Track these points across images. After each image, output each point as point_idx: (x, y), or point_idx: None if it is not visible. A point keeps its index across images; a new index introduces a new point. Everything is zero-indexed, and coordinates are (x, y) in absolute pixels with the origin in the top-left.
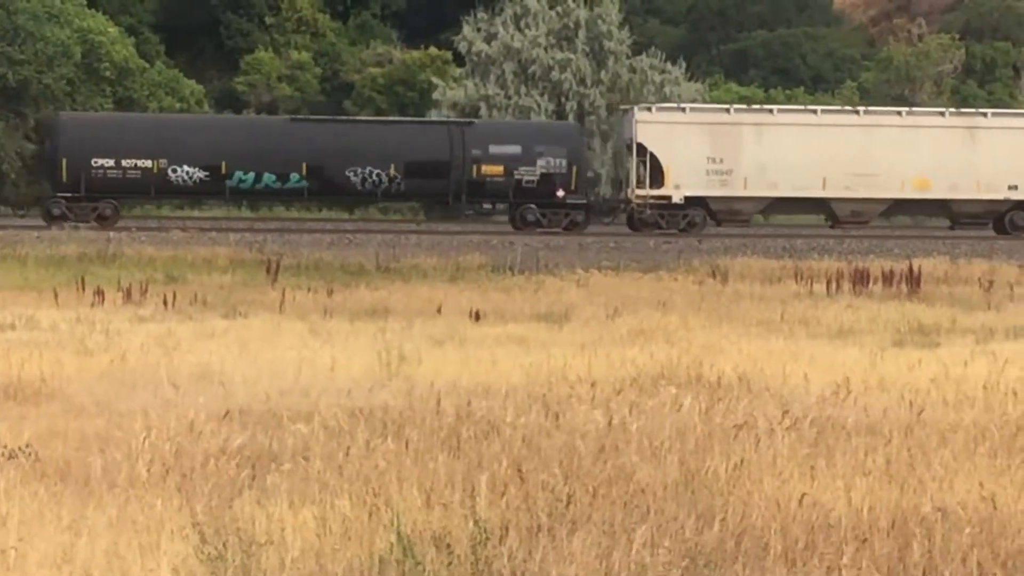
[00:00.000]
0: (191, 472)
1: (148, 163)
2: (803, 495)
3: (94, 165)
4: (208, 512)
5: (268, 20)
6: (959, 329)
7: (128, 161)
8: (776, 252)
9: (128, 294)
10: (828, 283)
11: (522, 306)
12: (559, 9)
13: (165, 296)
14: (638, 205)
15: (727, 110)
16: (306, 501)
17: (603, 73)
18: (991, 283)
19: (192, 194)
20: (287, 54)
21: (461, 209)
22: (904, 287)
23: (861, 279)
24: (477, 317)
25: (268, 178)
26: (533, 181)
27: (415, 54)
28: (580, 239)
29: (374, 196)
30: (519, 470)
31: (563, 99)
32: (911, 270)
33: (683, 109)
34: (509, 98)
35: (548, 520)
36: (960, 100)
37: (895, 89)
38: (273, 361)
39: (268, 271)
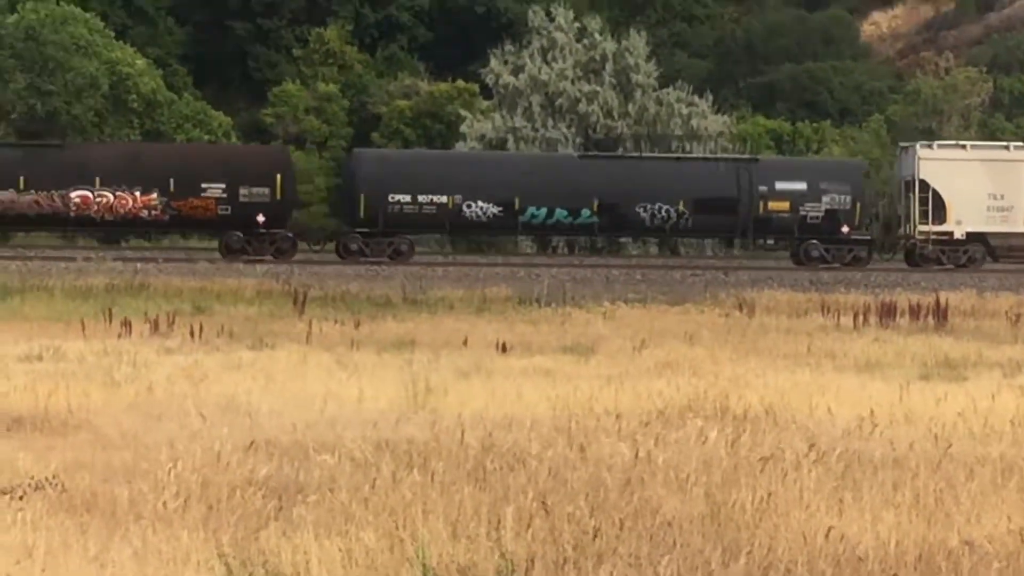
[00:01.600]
0: (217, 503)
1: (444, 199)
2: (830, 528)
3: (391, 201)
4: (234, 543)
5: (296, 52)
6: (986, 363)
7: (424, 197)
8: (803, 285)
9: (155, 325)
10: (855, 316)
11: (549, 338)
12: (586, 42)
13: (192, 327)
14: (920, 241)
15: (1007, 147)
16: (332, 533)
17: (630, 106)
18: (1018, 317)
19: (486, 229)
20: (315, 86)
21: (747, 244)
22: (931, 320)
23: (888, 312)
24: (504, 349)
25: (560, 213)
26: (818, 217)
27: (442, 86)
28: (607, 272)
29: (662, 231)
30: (545, 502)
31: (590, 131)
32: (938, 303)
33: (963, 146)
34: (536, 130)
35: (574, 553)
36: (988, 134)
37: (923, 122)
38: (300, 393)
39: (295, 303)
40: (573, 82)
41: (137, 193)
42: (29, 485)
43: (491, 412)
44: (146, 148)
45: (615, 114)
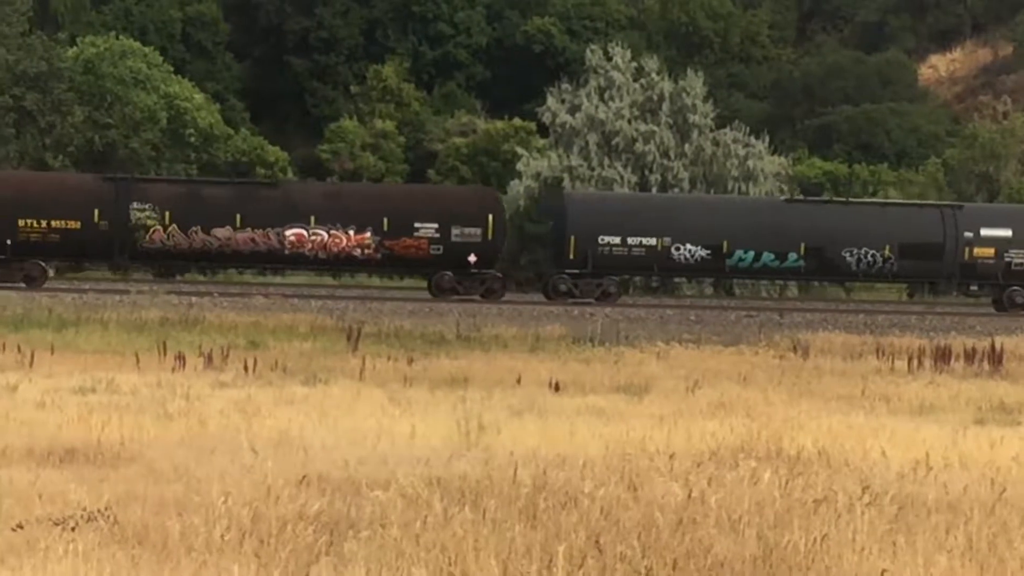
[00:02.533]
0: (268, 537)
1: (653, 241)
2: (883, 572)
3: (600, 243)
4: None
5: (353, 89)
6: None
7: (634, 239)
8: (857, 328)
9: (209, 359)
10: (909, 360)
11: (602, 377)
12: (643, 81)
13: (246, 362)
14: None
15: None
16: (383, 569)
17: (687, 146)
18: None
19: (693, 272)
20: (371, 123)
21: (950, 290)
22: (986, 365)
23: (943, 356)
24: (556, 388)
25: (767, 257)
26: (1023, 264)
27: (499, 124)
28: (661, 312)
29: (868, 276)
30: (597, 542)
31: (646, 171)
32: (993, 348)
33: None
34: (592, 169)
35: None
36: None
37: (980, 166)
38: (352, 428)
39: (349, 339)
40: (630, 121)
41: (351, 232)
42: (81, 517)
43: (544, 450)
44: (361, 188)
45: (671, 154)
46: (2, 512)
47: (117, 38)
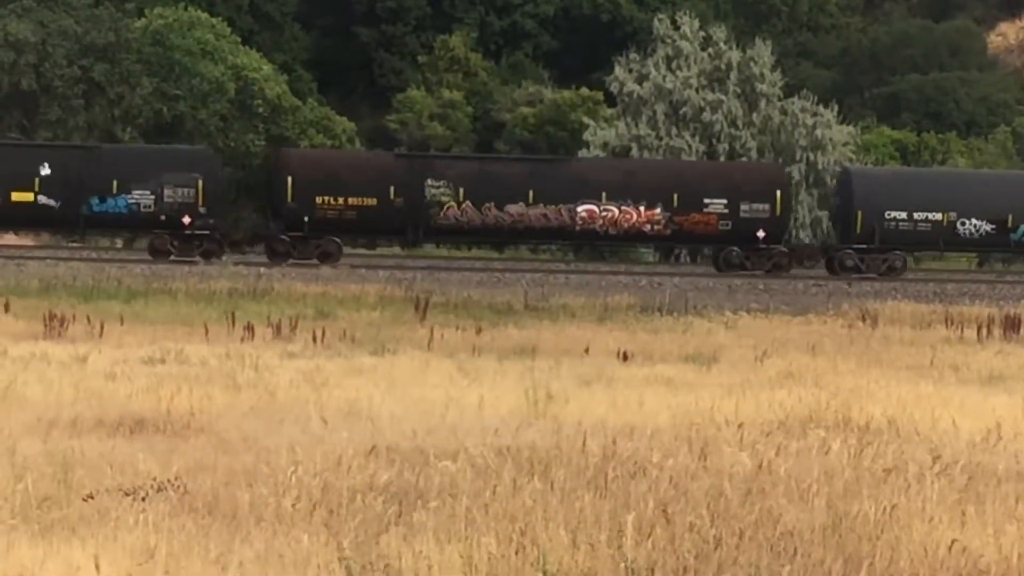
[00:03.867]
0: (338, 507)
1: (938, 216)
2: (953, 541)
3: (887, 218)
4: (355, 547)
5: (421, 59)
6: None
7: (920, 214)
8: (927, 297)
9: (278, 330)
10: (979, 329)
11: (670, 347)
12: (711, 51)
13: (314, 332)
14: None
15: None
16: (452, 538)
17: (754, 115)
18: None
19: (977, 247)
20: (439, 93)
21: None
22: None
23: (1012, 325)
24: (625, 357)
25: None
26: None
27: (566, 94)
28: (729, 281)
29: None
30: (666, 511)
31: (714, 141)
32: None
33: None
34: (660, 139)
35: (695, 562)
36: None
37: None
38: (421, 399)
39: (417, 309)
40: (697, 91)
41: (641, 208)
42: (151, 487)
43: (612, 420)
44: (652, 164)
45: (739, 123)
46: (73, 482)
47: (185, 9)
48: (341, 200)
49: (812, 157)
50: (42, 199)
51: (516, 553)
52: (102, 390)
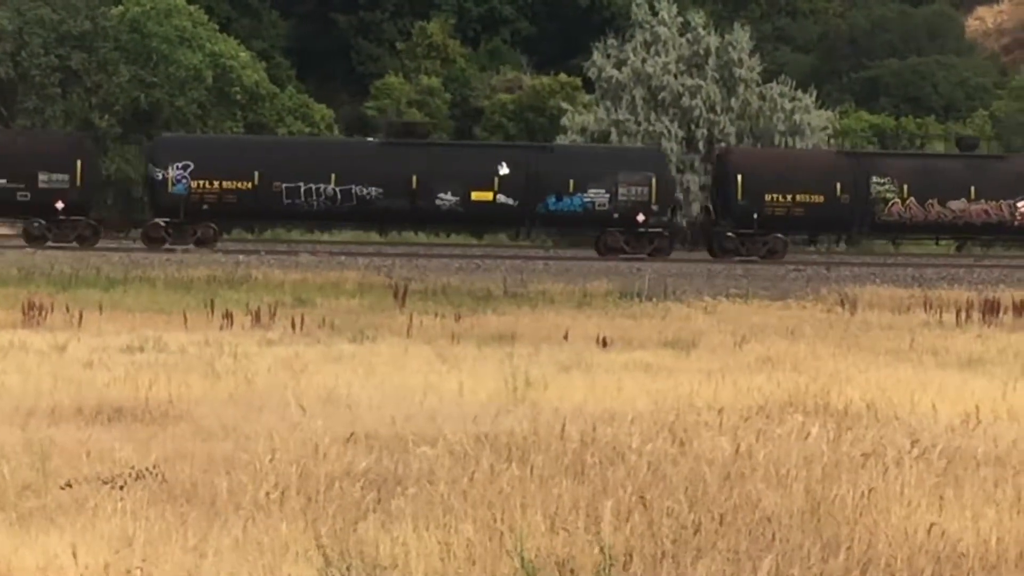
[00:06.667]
0: (316, 495)
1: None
2: (931, 525)
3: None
4: (332, 535)
5: (399, 45)
6: None
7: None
8: (905, 281)
9: (257, 317)
10: (958, 313)
11: (649, 333)
12: (689, 36)
13: (293, 319)
14: None
15: None
16: (430, 525)
17: (733, 100)
18: None
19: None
20: (417, 79)
21: None
22: None
23: (991, 309)
24: (604, 343)
25: None
26: None
27: (545, 80)
28: (708, 267)
29: None
30: (644, 497)
31: (693, 126)
32: None
33: None
34: (639, 124)
35: (673, 547)
36: None
37: None
38: (400, 385)
39: (396, 295)
40: (676, 76)
41: None
42: (130, 475)
43: (591, 406)
44: None
45: (718, 108)
46: (51, 471)
47: None
48: (789, 197)
49: (791, 142)
50: (501, 198)
51: (493, 539)
52: (81, 378)
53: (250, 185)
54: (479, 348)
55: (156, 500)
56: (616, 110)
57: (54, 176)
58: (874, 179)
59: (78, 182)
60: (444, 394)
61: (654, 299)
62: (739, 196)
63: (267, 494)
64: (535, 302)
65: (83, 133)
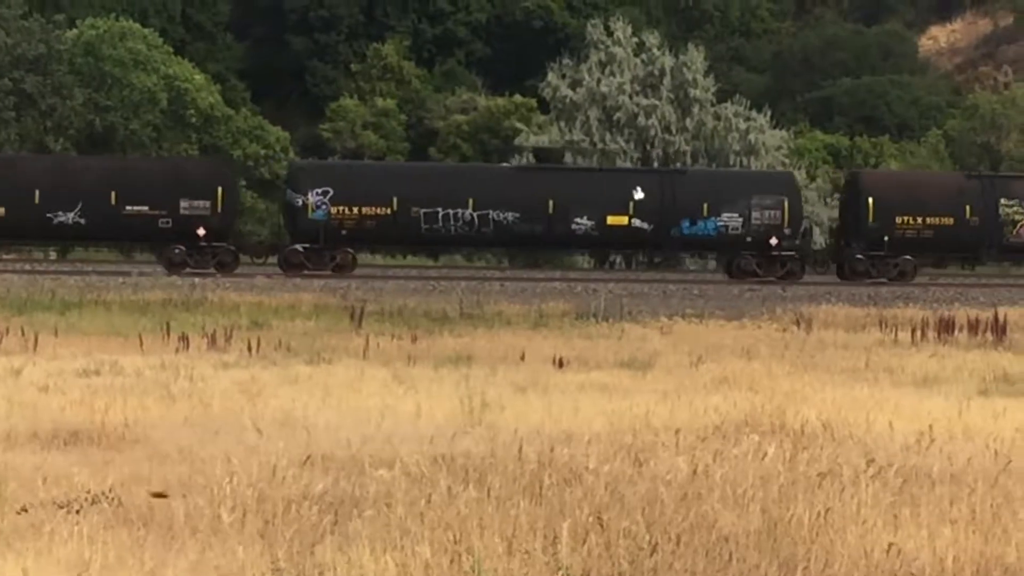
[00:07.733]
0: (273, 518)
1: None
2: (888, 544)
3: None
4: (289, 558)
5: (354, 67)
6: None
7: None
8: (861, 300)
9: (212, 340)
10: (913, 331)
11: (606, 353)
12: (644, 56)
13: (249, 342)
14: None
15: None
16: (388, 548)
17: (688, 120)
18: None
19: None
20: (372, 101)
21: None
22: (990, 336)
23: (946, 328)
24: (560, 364)
25: None
26: None
27: (500, 101)
28: (664, 287)
29: None
30: (601, 517)
31: (648, 146)
32: (996, 319)
33: None
34: (594, 144)
35: (630, 568)
36: None
37: (981, 137)
38: (356, 407)
39: (352, 317)
40: (631, 96)
41: None
42: (86, 499)
43: (548, 427)
44: None
45: (673, 128)
46: (7, 495)
47: (117, 19)
48: (919, 219)
49: (745, 162)
50: (636, 222)
51: (451, 561)
52: (36, 402)
53: (388, 211)
54: (435, 369)
55: (112, 524)
56: (571, 130)
57: (195, 203)
58: (1002, 201)
59: (219, 208)
60: (401, 416)
61: (610, 319)
62: (870, 218)
63: (224, 518)
64: (491, 323)
65: (222, 160)
